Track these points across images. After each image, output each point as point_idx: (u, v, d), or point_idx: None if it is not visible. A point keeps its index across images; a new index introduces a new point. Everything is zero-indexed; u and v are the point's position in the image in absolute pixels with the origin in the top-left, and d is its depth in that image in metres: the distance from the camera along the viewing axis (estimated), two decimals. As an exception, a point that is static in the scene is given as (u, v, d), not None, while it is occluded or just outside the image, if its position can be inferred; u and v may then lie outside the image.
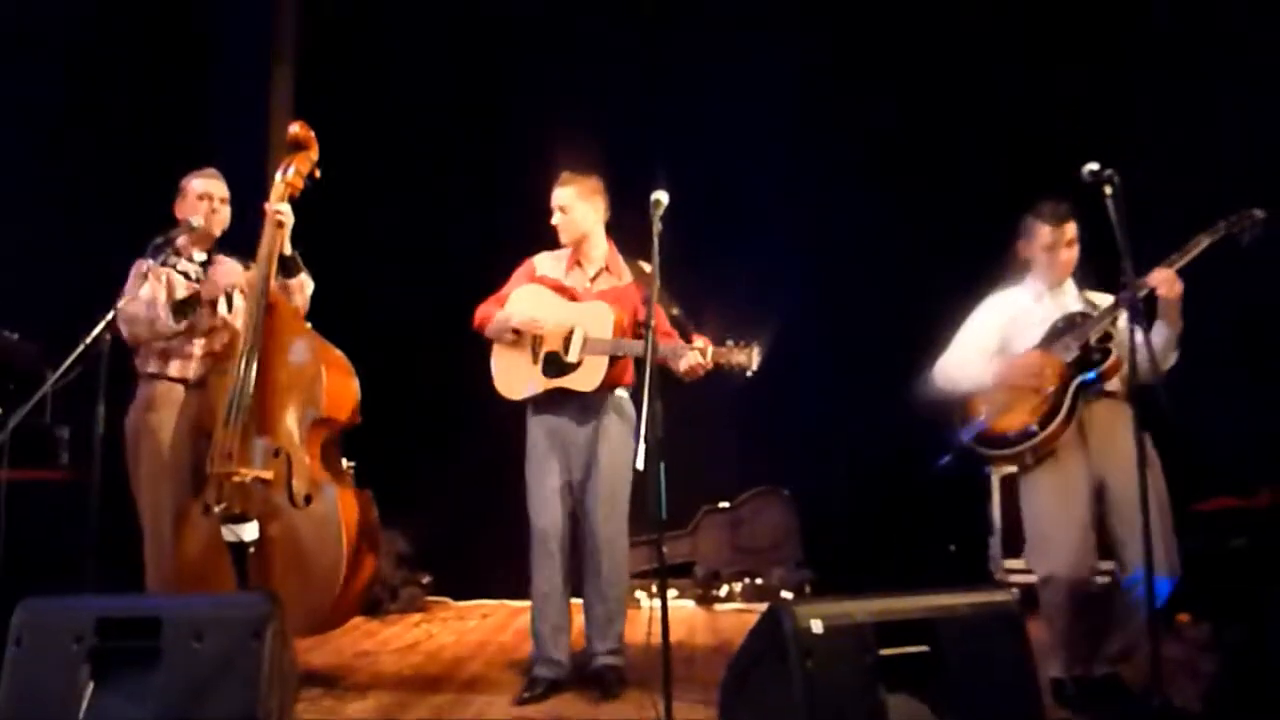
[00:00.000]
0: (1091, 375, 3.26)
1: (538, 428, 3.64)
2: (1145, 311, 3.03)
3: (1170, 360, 3.24)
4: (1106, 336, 3.26)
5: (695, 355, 3.28)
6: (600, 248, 3.70)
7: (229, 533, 3.23)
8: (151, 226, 3.49)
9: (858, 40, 5.65)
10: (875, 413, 5.46)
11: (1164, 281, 3.16)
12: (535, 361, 3.58)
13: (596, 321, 3.52)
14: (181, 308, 3.51)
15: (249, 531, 3.22)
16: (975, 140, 5.44)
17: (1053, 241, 3.37)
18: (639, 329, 3.46)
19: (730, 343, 3.29)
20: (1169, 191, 3.44)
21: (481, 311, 3.71)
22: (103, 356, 3.09)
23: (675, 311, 3.50)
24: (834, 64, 5.66)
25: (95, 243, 4.48)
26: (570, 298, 3.63)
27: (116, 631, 2.46)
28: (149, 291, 3.50)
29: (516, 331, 3.59)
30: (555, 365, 3.55)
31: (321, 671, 3.90)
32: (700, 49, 5.76)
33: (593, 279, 3.68)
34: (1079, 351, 3.28)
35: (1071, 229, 3.38)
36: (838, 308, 5.43)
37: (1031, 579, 3.46)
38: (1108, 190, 3.12)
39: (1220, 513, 4.36)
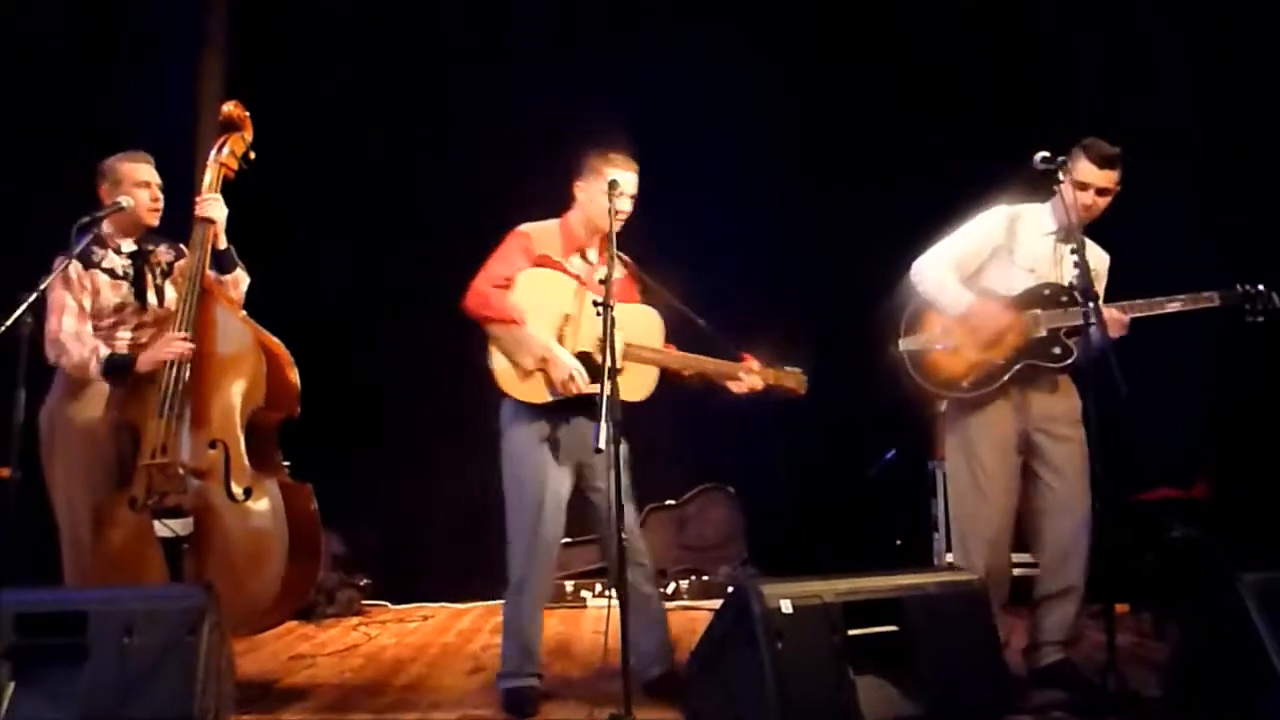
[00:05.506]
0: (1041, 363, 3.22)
1: (542, 430, 3.28)
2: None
3: None
4: (1075, 331, 3.17)
5: (755, 378, 3.30)
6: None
7: (162, 527, 3.06)
8: (74, 214, 3.27)
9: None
10: (819, 410, 5.43)
11: (1114, 323, 3.11)
12: None
13: (643, 329, 3.29)
14: (114, 368, 3.31)
15: (183, 526, 3.05)
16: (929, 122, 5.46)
17: (1087, 180, 3.17)
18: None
19: (781, 367, 3.34)
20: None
21: (492, 303, 3.23)
22: (22, 342, 2.91)
23: (703, 324, 3.31)
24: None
25: (13, 231, 4.28)
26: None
27: (39, 628, 2.32)
28: (73, 314, 3.31)
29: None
30: (587, 367, 3.21)
31: (256, 677, 3.72)
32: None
33: (594, 266, 3.42)
34: (1045, 334, 3.22)
35: (1110, 178, 3.18)
36: (781, 302, 5.40)
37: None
38: (1061, 177, 3.14)
39: (1160, 503, 4.43)
